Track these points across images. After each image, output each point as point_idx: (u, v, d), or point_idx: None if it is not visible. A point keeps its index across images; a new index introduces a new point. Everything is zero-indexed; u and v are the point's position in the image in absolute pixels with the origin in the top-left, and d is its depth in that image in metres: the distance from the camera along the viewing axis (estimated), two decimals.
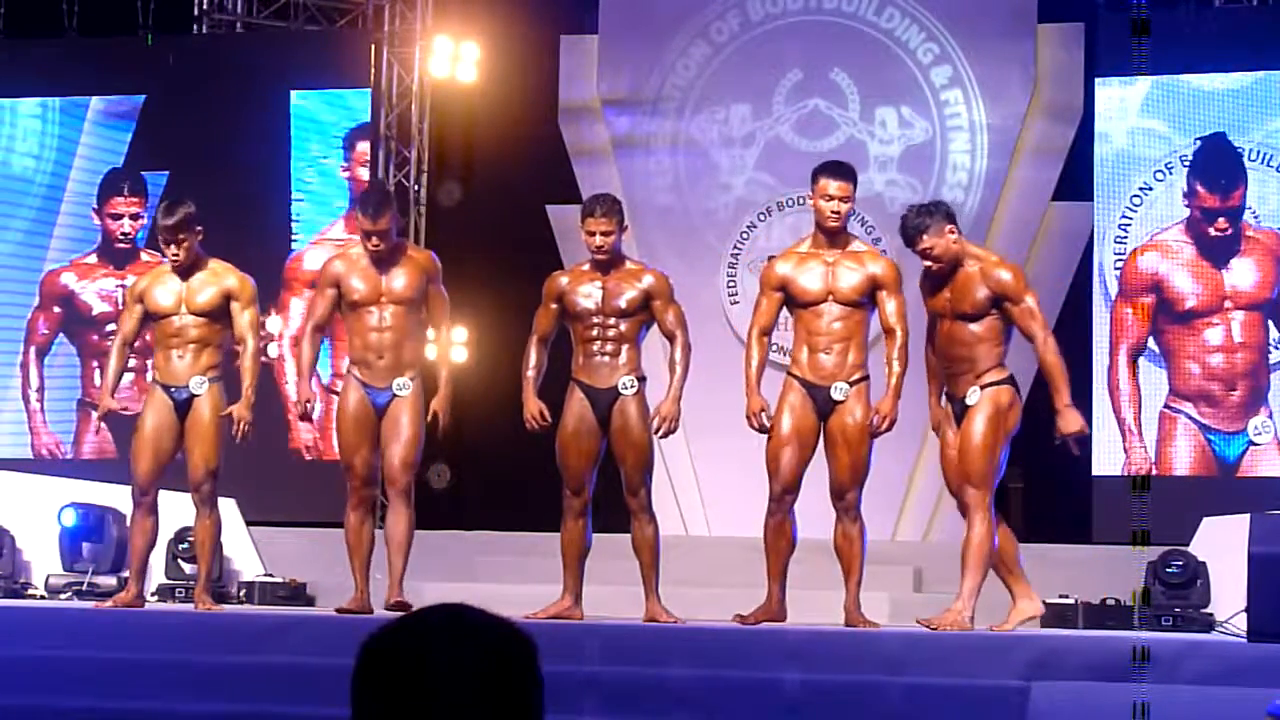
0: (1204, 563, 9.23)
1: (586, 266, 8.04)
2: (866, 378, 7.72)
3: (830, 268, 7.70)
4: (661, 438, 7.94)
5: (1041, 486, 12.43)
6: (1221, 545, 8.89)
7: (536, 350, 8.00)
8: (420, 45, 13.26)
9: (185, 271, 8.34)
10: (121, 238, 12.74)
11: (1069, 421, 7.53)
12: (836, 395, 7.64)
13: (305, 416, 8.29)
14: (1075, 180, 12.11)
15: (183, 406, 8.29)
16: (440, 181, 13.37)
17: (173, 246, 8.27)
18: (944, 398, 7.73)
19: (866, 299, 7.69)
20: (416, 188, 13.23)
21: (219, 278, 8.36)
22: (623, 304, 7.90)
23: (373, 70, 13.15)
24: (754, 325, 7.81)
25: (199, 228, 8.35)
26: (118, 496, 10.19)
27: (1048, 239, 12.12)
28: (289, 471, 12.18)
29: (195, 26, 13.57)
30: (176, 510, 10.27)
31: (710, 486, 12.07)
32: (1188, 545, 9.49)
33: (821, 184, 7.72)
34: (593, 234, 7.90)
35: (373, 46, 13.21)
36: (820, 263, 7.72)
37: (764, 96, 12.47)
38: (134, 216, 12.80)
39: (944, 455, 7.73)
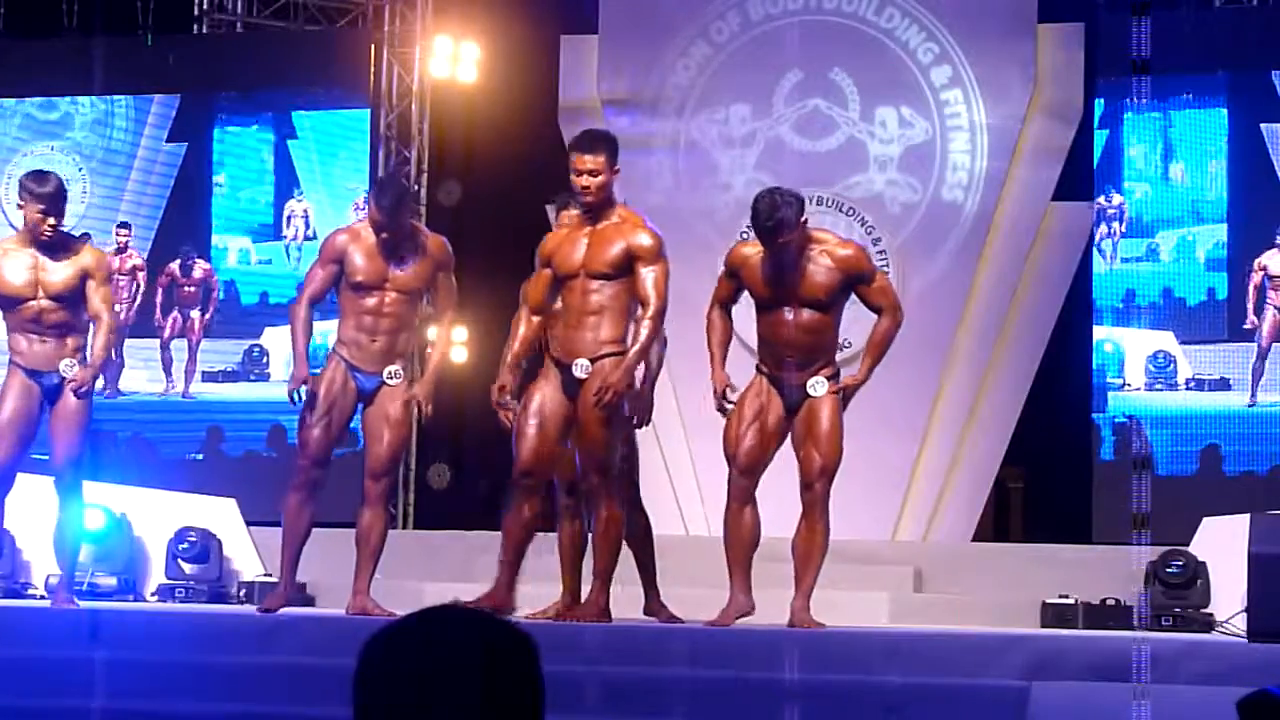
0: (1204, 563, 9.23)
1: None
2: (622, 354, 7.35)
3: (589, 241, 7.46)
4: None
5: (1042, 486, 12.45)
6: (1221, 545, 8.89)
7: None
8: (420, 45, 13.28)
9: (43, 250, 7.90)
10: None
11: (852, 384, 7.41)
12: (578, 373, 7.35)
13: (298, 398, 7.67)
14: (1075, 180, 12.12)
15: (51, 392, 7.94)
16: (440, 181, 13.37)
17: (51, 219, 7.84)
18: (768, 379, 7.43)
19: (622, 271, 7.39)
20: (416, 188, 13.24)
21: (76, 256, 7.95)
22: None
23: (373, 70, 13.16)
24: (523, 299, 7.66)
25: (64, 204, 7.97)
26: (126, 498, 10.20)
27: (1047, 239, 12.12)
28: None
29: (195, 26, 13.58)
30: (175, 509, 10.29)
31: (710, 486, 12.06)
32: (1188, 545, 9.49)
33: (572, 159, 7.48)
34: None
35: (372, 46, 13.22)
36: (583, 237, 7.48)
37: (764, 96, 12.46)
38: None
39: (742, 432, 7.43)
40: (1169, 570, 9.27)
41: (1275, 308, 12.45)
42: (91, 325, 8.04)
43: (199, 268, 13.55)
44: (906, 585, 10.43)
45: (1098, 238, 12.19)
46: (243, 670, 6.78)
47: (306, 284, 7.89)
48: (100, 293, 7.97)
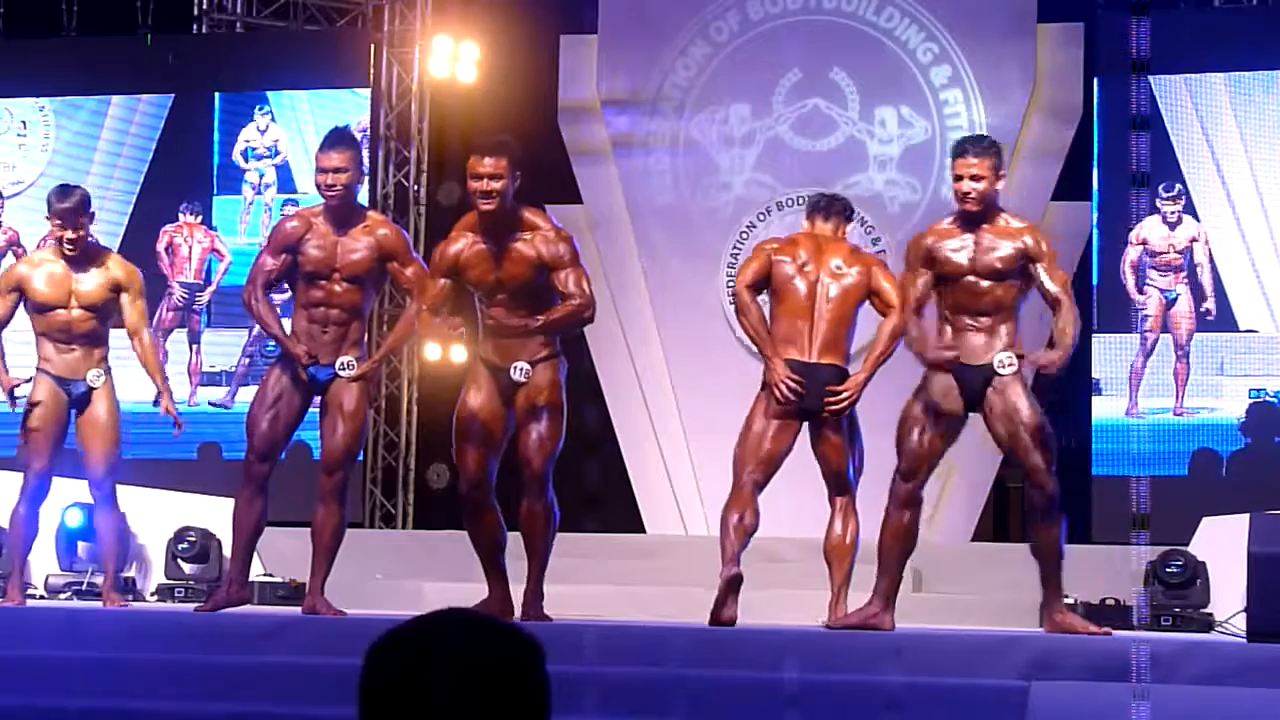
0: (1204, 563, 9.23)
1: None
2: (554, 356, 7.41)
3: (501, 258, 7.26)
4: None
5: None
6: (1221, 545, 8.89)
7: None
8: (420, 45, 13.29)
9: (74, 262, 8.13)
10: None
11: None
12: (517, 376, 7.35)
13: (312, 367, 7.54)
14: (1074, 180, 12.12)
15: (79, 400, 8.19)
16: (440, 181, 13.38)
17: (69, 232, 8.04)
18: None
19: (540, 274, 7.25)
20: (416, 188, 13.25)
21: (104, 268, 8.17)
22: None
23: (372, 70, 13.17)
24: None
25: (92, 212, 8.18)
26: (125, 497, 10.16)
27: (1047, 239, 12.11)
28: (289, 471, 12.14)
29: (195, 26, 13.59)
30: (176, 510, 10.30)
31: (710, 486, 12.07)
32: (1188, 545, 9.50)
33: (469, 163, 7.22)
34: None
35: (372, 46, 13.24)
36: (491, 252, 7.27)
37: (763, 96, 12.47)
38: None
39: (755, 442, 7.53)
40: (1169, 570, 9.27)
41: (1160, 290, 11.70)
42: (132, 342, 8.24)
43: (198, 241, 13.25)
44: (906, 585, 10.40)
45: None
46: (243, 670, 6.78)
47: (257, 273, 7.66)
48: (136, 307, 8.17)
